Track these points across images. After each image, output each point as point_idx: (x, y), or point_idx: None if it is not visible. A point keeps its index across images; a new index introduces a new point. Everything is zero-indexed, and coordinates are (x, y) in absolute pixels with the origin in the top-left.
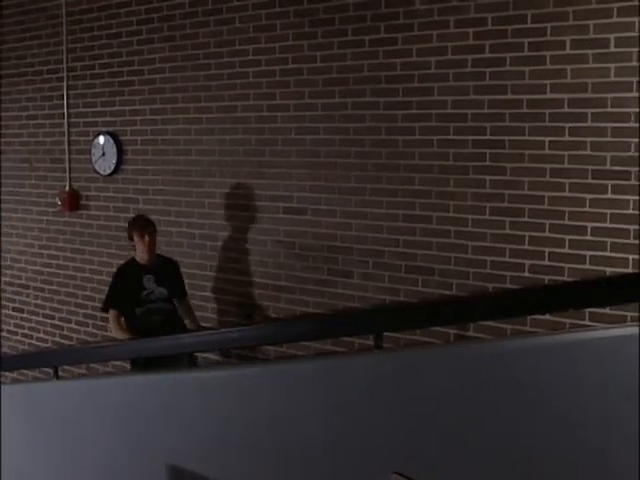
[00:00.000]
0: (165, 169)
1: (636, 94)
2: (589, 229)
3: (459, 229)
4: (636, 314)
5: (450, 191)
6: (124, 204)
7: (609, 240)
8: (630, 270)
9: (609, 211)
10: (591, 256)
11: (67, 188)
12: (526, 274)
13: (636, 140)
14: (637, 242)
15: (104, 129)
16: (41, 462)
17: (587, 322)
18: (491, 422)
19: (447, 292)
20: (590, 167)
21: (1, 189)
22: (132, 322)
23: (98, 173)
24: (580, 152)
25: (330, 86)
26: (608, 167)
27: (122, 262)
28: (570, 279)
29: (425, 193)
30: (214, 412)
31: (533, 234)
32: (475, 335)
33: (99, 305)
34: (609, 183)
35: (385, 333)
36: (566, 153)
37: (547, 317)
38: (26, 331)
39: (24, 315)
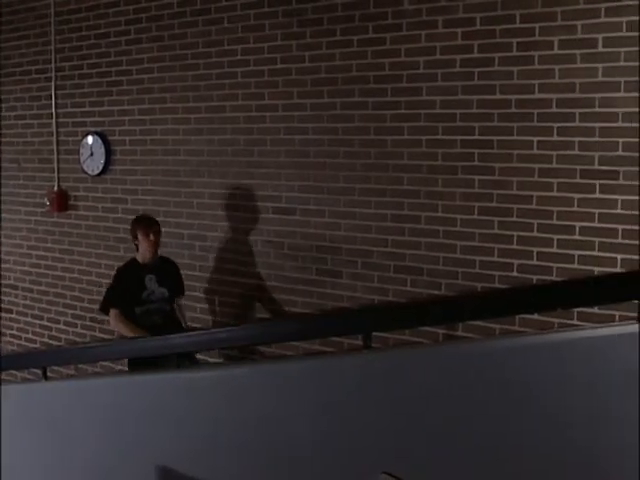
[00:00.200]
0: (154, 169)
1: (623, 94)
2: (577, 229)
3: (448, 229)
4: (624, 313)
5: (439, 191)
6: (113, 204)
7: (597, 240)
8: (618, 269)
9: (597, 211)
10: (579, 256)
11: (55, 188)
12: (515, 274)
13: (623, 140)
14: (625, 242)
15: (92, 129)
16: (30, 463)
17: (575, 322)
18: (480, 422)
19: (436, 292)
20: (578, 167)
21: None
22: (132, 322)
23: (86, 173)
24: (568, 152)
25: (319, 86)
26: (596, 167)
27: (122, 263)
28: (558, 279)
29: (414, 193)
30: (203, 412)
31: (521, 234)
32: (464, 335)
33: (88, 305)
34: (597, 183)
35: (374, 333)
36: (554, 153)
37: (536, 317)
38: (14, 332)
39: (12, 316)
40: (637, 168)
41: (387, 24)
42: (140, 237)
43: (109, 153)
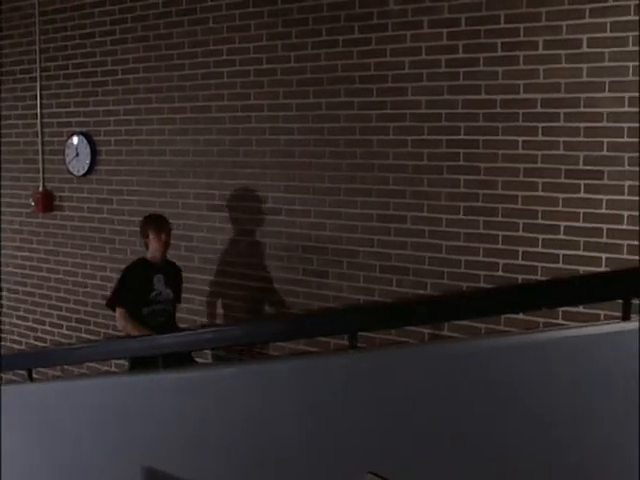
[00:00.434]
0: (139, 169)
1: (608, 94)
2: (562, 228)
3: (433, 229)
4: (609, 313)
5: (424, 191)
6: (98, 205)
7: (582, 239)
8: (603, 269)
9: (582, 210)
10: (564, 255)
11: (41, 189)
12: (500, 273)
13: (608, 140)
14: (610, 241)
15: (78, 129)
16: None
17: (561, 321)
18: (466, 421)
19: (422, 292)
20: (563, 167)
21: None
22: (138, 321)
23: (72, 174)
24: (553, 152)
25: (304, 86)
26: (581, 167)
27: (131, 261)
28: (543, 278)
29: (399, 193)
30: (190, 413)
31: (507, 233)
32: (449, 334)
33: (73, 306)
34: (582, 182)
35: (360, 333)
36: (539, 153)
37: (521, 316)
38: None
39: None
40: (622, 168)
41: (372, 24)
42: (152, 236)
43: (94, 153)
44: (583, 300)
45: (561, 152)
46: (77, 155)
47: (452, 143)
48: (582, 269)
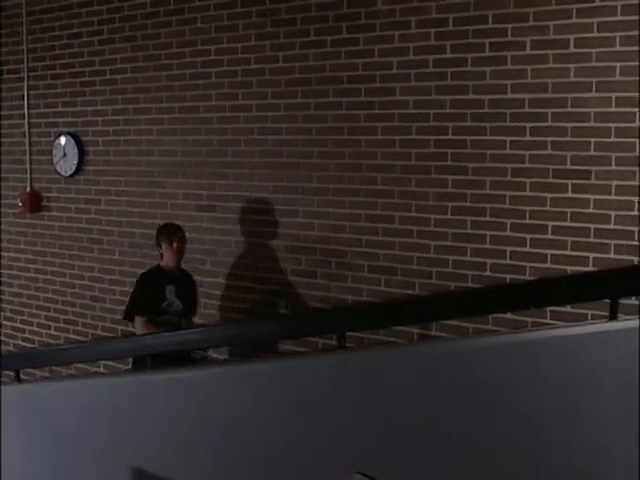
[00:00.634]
0: (127, 170)
1: (595, 94)
2: (550, 228)
3: (421, 229)
4: (597, 312)
5: (412, 191)
6: (86, 205)
7: (570, 239)
8: (590, 268)
9: (569, 210)
10: (552, 255)
11: (28, 189)
12: (488, 273)
13: (595, 140)
14: (597, 241)
15: (65, 130)
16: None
17: (548, 320)
18: (454, 421)
19: (410, 291)
20: (551, 166)
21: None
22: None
23: (59, 174)
24: (541, 152)
25: (292, 86)
26: (568, 166)
27: (145, 270)
28: (531, 278)
29: (387, 193)
30: (178, 413)
31: (494, 233)
32: (438, 334)
33: (61, 307)
34: (569, 182)
35: (348, 333)
36: (527, 153)
37: (509, 316)
38: None
39: None
40: (609, 167)
41: (360, 24)
42: (164, 246)
43: (82, 154)
44: (571, 300)
45: (549, 152)
46: (65, 155)
47: (440, 143)
48: (570, 269)
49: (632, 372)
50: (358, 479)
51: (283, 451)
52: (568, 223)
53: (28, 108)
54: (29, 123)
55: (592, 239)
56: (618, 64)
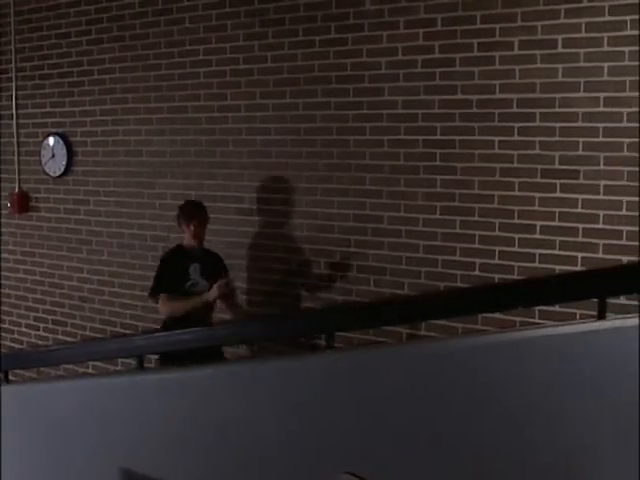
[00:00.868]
0: (116, 170)
1: (583, 94)
2: (538, 228)
3: (410, 228)
4: (585, 311)
5: (401, 191)
6: (74, 206)
7: (558, 238)
8: (579, 268)
9: (558, 210)
10: (540, 254)
11: (16, 190)
12: (476, 273)
13: (584, 139)
14: (586, 240)
15: (54, 130)
16: None
17: (537, 320)
18: (442, 421)
19: (399, 291)
20: (539, 166)
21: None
22: None
23: (48, 175)
24: (529, 151)
25: (281, 86)
26: (557, 166)
27: (169, 248)
28: (520, 277)
29: (376, 193)
30: (171, 413)
31: (483, 233)
32: (427, 334)
33: (50, 308)
34: (558, 182)
35: (337, 333)
36: (515, 152)
37: (497, 315)
38: None
39: None
40: (597, 167)
41: (349, 24)
42: (183, 226)
43: (71, 154)
44: (559, 299)
45: (537, 152)
46: (53, 156)
47: (429, 143)
48: (558, 268)
49: (619, 371)
50: (347, 479)
51: (273, 451)
52: (556, 223)
53: (16, 108)
54: (17, 124)
55: (580, 239)
56: (606, 64)
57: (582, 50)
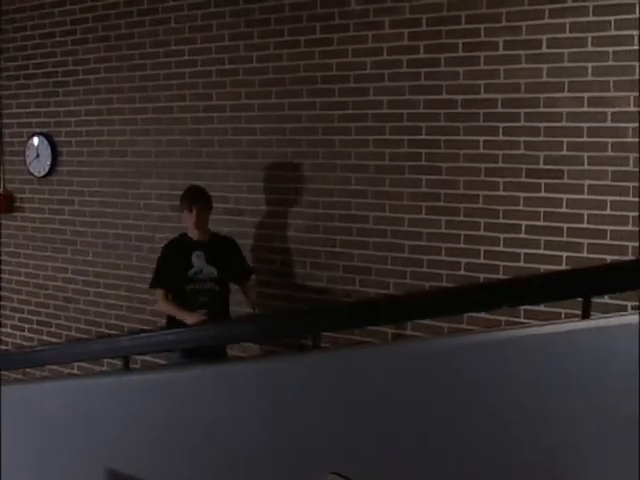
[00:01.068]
0: (100, 170)
1: (567, 94)
2: (523, 227)
3: (395, 228)
4: (570, 311)
5: (386, 191)
6: (59, 206)
7: (543, 238)
8: (563, 267)
9: (543, 209)
10: (525, 254)
11: (1, 190)
12: (462, 272)
13: (568, 139)
14: (570, 240)
15: (38, 130)
16: None
17: (522, 319)
18: (428, 421)
19: (384, 291)
20: (524, 166)
21: None
22: (181, 300)
23: (32, 175)
24: (514, 151)
25: (266, 86)
26: (541, 166)
27: (172, 236)
28: (505, 277)
29: (361, 193)
30: (156, 414)
31: (468, 233)
32: (412, 334)
33: (35, 309)
34: (542, 182)
35: (323, 333)
36: (500, 152)
37: (483, 315)
38: None
39: None
40: (582, 167)
41: (334, 25)
42: (185, 212)
43: (55, 154)
44: (543, 298)
45: (522, 152)
46: (38, 156)
47: (414, 143)
48: (543, 268)
49: (603, 371)
50: (332, 479)
51: (259, 451)
52: (541, 222)
53: (1, 108)
54: (2, 123)
55: (565, 238)
56: (590, 64)
57: (566, 50)
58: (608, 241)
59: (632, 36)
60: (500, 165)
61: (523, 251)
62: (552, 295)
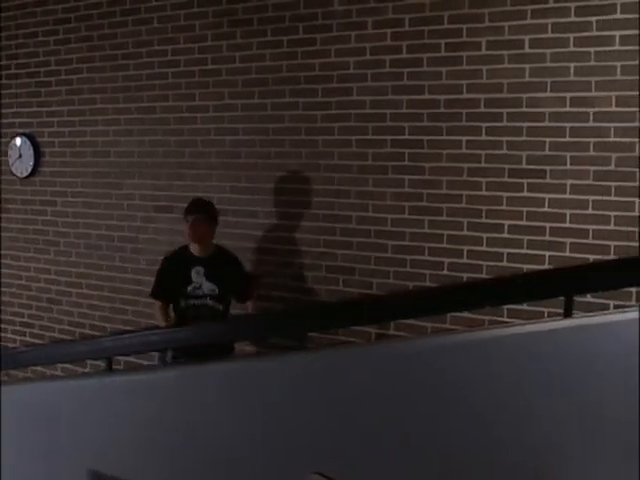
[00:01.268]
0: (84, 171)
1: (550, 94)
2: (506, 227)
3: (379, 228)
4: (553, 310)
5: (369, 191)
6: (42, 207)
7: (525, 238)
8: (546, 267)
9: (525, 209)
10: (508, 253)
11: None
12: (445, 272)
13: (550, 139)
14: (552, 239)
15: (21, 130)
16: None
17: (505, 318)
18: (411, 421)
19: (368, 291)
20: (506, 166)
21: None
22: (179, 315)
23: (15, 175)
24: (497, 151)
25: (249, 87)
26: (524, 166)
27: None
28: (488, 276)
29: (344, 193)
30: (139, 415)
31: (451, 232)
32: (396, 333)
33: (18, 310)
34: (525, 182)
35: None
36: (483, 152)
37: (466, 314)
38: None
39: None
40: (564, 167)
41: (317, 25)
42: (184, 223)
43: (38, 155)
44: (526, 298)
45: (504, 152)
46: (20, 156)
47: (397, 143)
48: (526, 267)
49: (586, 369)
50: (315, 479)
51: (243, 451)
52: (524, 222)
53: None
54: None
55: (547, 237)
56: (572, 64)
57: (549, 50)
58: (590, 240)
59: (613, 36)
60: (483, 165)
61: (506, 250)
62: (535, 294)
